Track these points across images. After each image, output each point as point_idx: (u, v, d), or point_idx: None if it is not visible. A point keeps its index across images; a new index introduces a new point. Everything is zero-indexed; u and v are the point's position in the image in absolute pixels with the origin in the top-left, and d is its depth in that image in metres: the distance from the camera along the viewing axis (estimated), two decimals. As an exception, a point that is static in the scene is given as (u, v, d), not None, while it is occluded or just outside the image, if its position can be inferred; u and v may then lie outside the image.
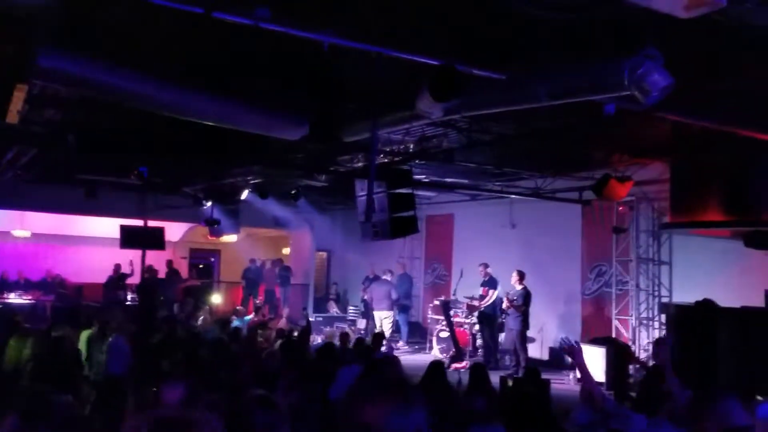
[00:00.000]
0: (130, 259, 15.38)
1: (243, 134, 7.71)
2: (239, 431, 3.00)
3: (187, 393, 4.02)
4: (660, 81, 4.63)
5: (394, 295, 14.10)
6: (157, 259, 16.41)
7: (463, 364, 11.67)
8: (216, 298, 16.52)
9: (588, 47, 5.27)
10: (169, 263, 16.81)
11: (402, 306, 15.30)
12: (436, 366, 6.79)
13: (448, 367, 11.00)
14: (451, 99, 5.37)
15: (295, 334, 10.16)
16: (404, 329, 14.99)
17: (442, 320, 13.15)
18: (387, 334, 13.09)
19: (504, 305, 11.81)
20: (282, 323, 13.20)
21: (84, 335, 8.38)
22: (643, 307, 11.67)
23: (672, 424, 3.81)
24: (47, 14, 3.81)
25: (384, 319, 13.86)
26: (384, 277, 14.60)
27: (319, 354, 7.77)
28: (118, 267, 15.07)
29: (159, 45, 6.06)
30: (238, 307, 14.34)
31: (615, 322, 11.84)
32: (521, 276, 11.59)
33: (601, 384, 10.35)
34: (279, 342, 9.08)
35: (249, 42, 5.63)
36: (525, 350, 11.49)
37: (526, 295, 11.43)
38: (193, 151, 10.65)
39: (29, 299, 14.53)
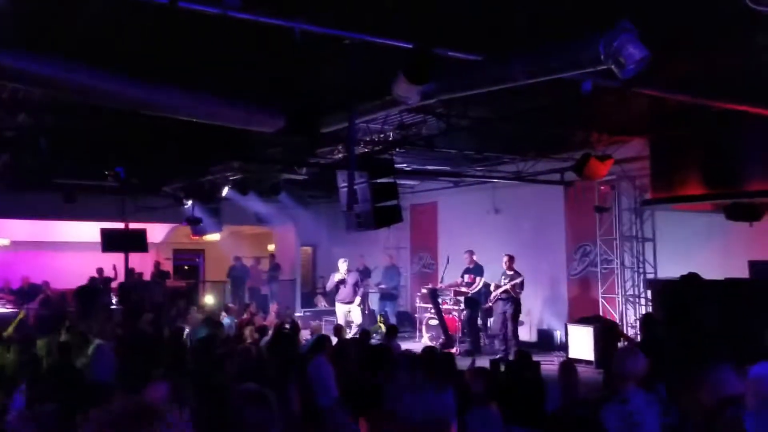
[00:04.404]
0: (113, 263, 15.19)
1: (220, 130, 7.60)
2: (229, 428, 2.91)
3: (171, 392, 3.97)
4: (635, 53, 4.59)
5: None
6: (142, 261, 16.28)
7: (454, 350, 11.67)
8: (208, 299, 16.33)
9: (563, 23, 5.24)
10: (157, 265, 16.63)
11: (390, 295, 15.43)
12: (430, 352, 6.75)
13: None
14: (426, 81, 5.31)
15: (287, 326, 10.07)
16: (393, 319, 14.98)
17: (431, 308, 13.14)
18: (357, 322, 13.02)
19: (501, 290, 11.36)
20: (271, 319, 13.04)
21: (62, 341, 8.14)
22: (629, 284, 11.74)
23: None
24: (7, 11, 3.70)
25: (350, 311, 13.31)
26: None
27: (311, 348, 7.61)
28: (92, 279, 14.77)
29: (127, 40, 5.94)
30: (229, 305, 14.14)
31: (602, 301, 11.91)
32: (512, 260, 11.50)
33: (590, 363, 10.46)
34: (266, 339, 8.96)
35: (220, 34, 5.52)
36: (517, 335, 11.45)
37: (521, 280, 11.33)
38: (171, 149, 10.51)
39: (11, 308, 14.27)
